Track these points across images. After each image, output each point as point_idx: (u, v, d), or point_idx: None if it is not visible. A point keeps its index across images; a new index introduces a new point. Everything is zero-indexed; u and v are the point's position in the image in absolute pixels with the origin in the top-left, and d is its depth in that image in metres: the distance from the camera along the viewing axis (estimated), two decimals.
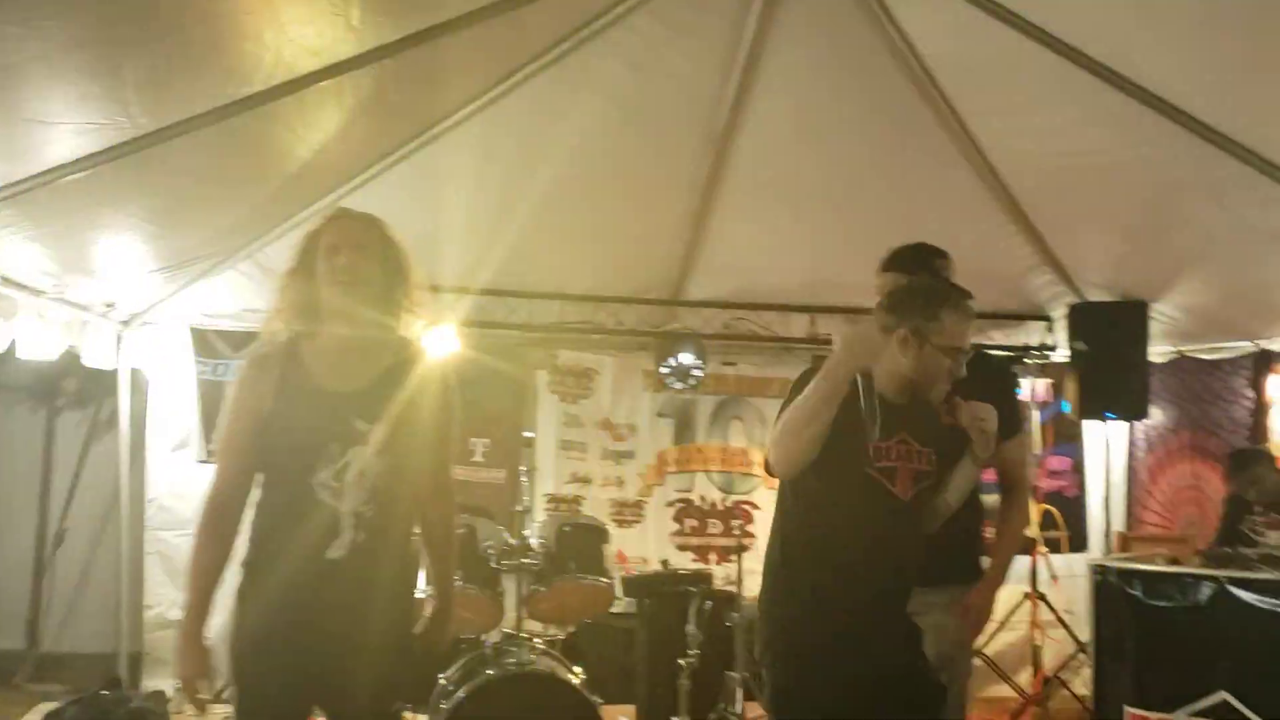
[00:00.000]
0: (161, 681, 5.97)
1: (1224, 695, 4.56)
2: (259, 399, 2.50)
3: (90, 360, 5.74)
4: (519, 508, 4.46)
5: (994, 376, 3.25)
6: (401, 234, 2.68)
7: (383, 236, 2.62)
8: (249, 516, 2.56)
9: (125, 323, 5.97)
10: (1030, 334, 7.15)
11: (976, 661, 7.11)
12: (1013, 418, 3.17)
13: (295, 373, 2.51)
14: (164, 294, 5.86)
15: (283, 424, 2.47)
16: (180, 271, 5.59)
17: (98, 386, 5.95)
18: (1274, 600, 4.45)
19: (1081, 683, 6.54)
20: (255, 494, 2.55)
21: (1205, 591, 4.67)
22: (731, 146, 5.35)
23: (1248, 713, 4.48)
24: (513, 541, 4.41)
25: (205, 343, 6.31)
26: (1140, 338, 6.51)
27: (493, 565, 4.31)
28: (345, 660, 2.45)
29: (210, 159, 4.25)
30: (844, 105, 5.04)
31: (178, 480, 6.32)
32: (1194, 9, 3.85)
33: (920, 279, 3.15)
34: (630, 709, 4.69)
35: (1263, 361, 6.41)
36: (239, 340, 6.31)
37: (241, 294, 6.04)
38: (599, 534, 4.63)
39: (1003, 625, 7.09)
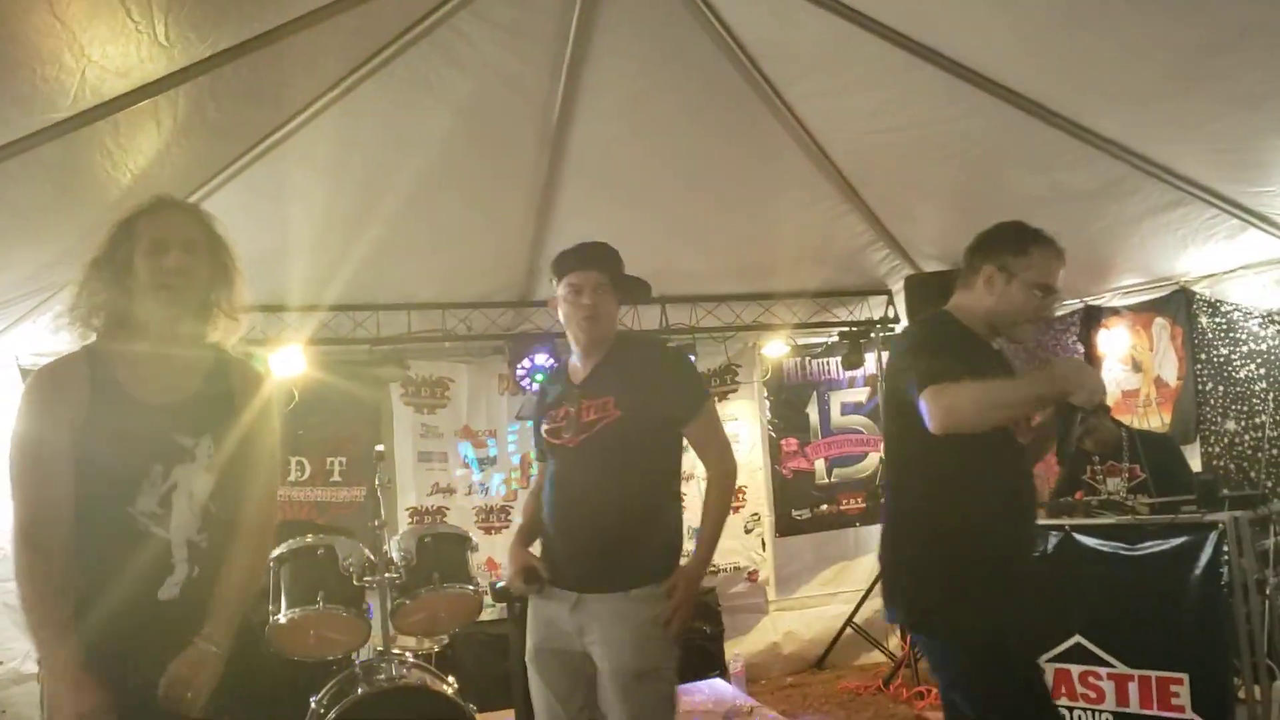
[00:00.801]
0: None
1: (1078, 638, 4.78)
2: (60, 421, 2.14)
3: None
4: (375, 523, 4.37)
5: (652, 357, 3.27)
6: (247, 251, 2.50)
7: (211, 232, 2.37)
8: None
9: None
10: (874, 308, 7.36)
11: (848, 632, 7.34)
12: (686, 398, 3.18)
13: (105, 385, 2.19)
14: None
15: (94, 445, 2.13)
16: (3, 310, 5.32)
17: None
18: (1116, 543, 4.67)
19: None
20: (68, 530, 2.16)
21: (1052, 540, 4.88)
22: (567, 143, 5.33)
23: (1100, 652, 4.71)
24: (373, 557, 4.33)
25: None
26: None
27: (355, 583, 4.22)
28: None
29: (22, 191, 4.03)
30: (673, 97, 5.06)
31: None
32: None
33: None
34: (509, 714, 4.65)
35: (1090, 317, 6.54)
36: None
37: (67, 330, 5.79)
38: (462, 542, 4.58)
39: (868, 594, 7.32)
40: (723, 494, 3.20)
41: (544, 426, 3.29)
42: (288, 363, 6.13)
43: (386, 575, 4.27)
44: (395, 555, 4.37)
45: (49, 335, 5.73)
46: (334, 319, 6.21)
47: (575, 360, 3.32)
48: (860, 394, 7.81)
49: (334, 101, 4.64)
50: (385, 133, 4.99)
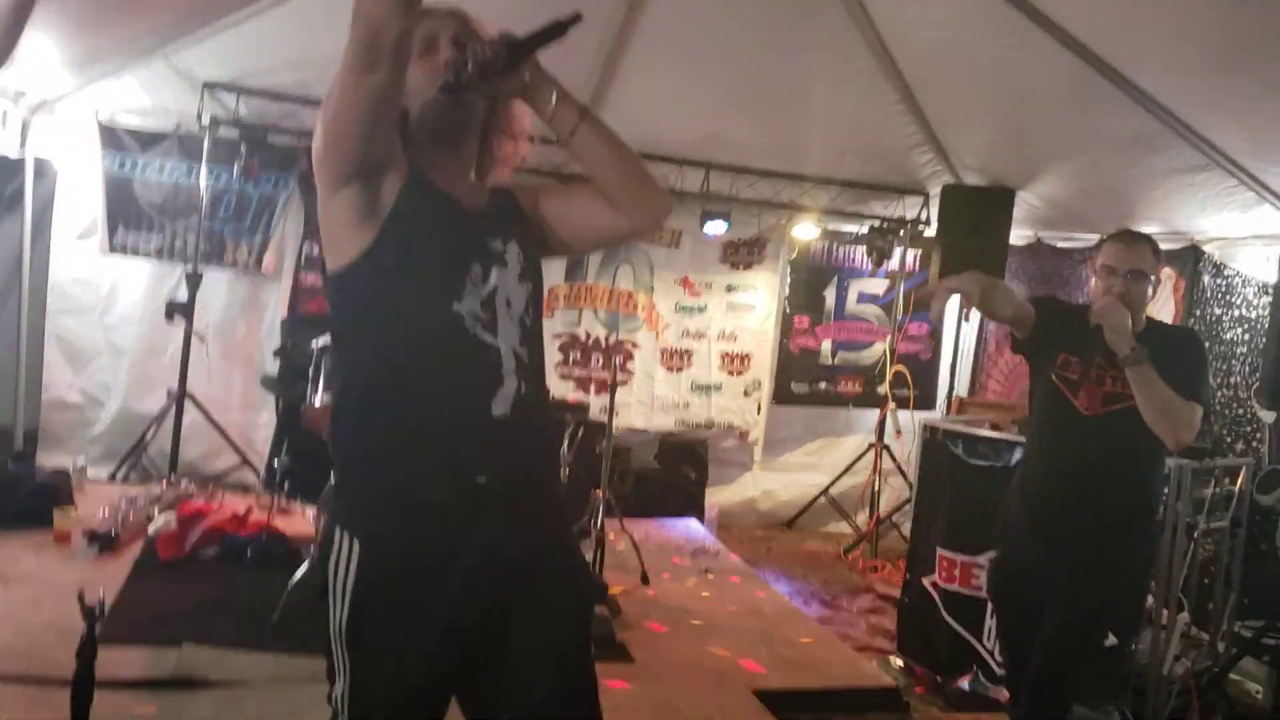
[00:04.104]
0: (56, 459, 6.27)
1: None
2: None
3: None
4: None
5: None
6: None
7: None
8: (362, 363, 1.94)
9: (33, 111, 6.02)
10: (908, 208, 7.60)
11: (821, 500, 7.83)
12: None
13: (419, 176, 1.93)
14: (73, 86, 5.92)
15: (410, 235, 1.88)
16: (91, 67, 5.65)
17: (2, 173, 6.01)
18: None
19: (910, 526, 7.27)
20: (369, 334, 1.93)
21: (1015, 455, 5.25)
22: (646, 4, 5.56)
23: None
24: None
25: (113, 137, 6.37)
26: (1004, 222, 6.97)
27: None
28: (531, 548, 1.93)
29: None
30: None
31: (80, 268, 6.51)
32: None
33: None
34: None
35: None
36: (146, 139, 6.44)
37: (151, 92, 6.14)
38: None
39: (847, 470, 7.80)
40: None
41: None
42: None
43: None
44: None
45: (130, 93, 6.10)
46: None
47: None
48: (879, 285, 8.10)
49: None
50: None
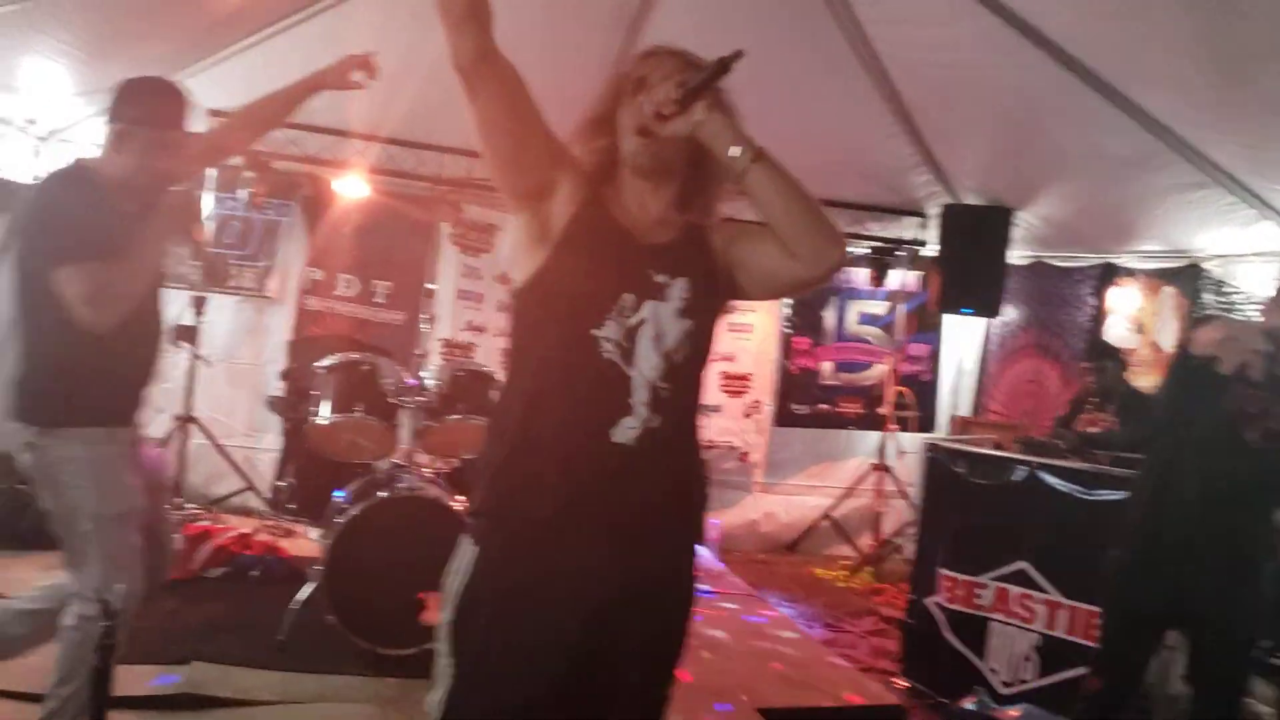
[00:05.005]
0: None
1: (1023, 565, 5.18)
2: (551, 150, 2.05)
3: (5, 171, 5.85)
4: (418, 352, 4.79)
5: None
6: None
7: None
8: (511, 379, 2.09)
9: (43, 139, 6.07)
10: (906, 228, 7.64)
11: (823, 523, 7.82)
12: None
13: (592, 201, 2.06)
14: (83, 114, 5.96)
15: (566, 259, 2.00)
16: (101, 95, 5.68)
17: (10, 197, 6.04)
18: (1075, 486, 5.02)
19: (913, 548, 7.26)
20: (521, 352, 2.08)
21: (1018, 474, 5.24)
22: (643, 27, 5.60)
23: (1041, 580, 5.12)
24: (411, 381, 4.79)
25: None
26: (1003, 241, 7.03)
27: (390, 400, 4.67)
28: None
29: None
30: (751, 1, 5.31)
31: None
32: None
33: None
34: None
35: (1107, 274, 6.99)
36: None
37: None
38: (488, 380, 4.99)
39: (850, 492, 7.79)
40: None
41: None
42: (351, 186, 6.54)
43: (419, 399, 4.72)
44: (430, 382, 4.82)
45: None
46: (400, 153, 6.57)
47: None
48: (880, 307, 8.12)
49: None
50: None
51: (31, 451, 2.98)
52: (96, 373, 2.96)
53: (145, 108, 3.02)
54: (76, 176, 3.06)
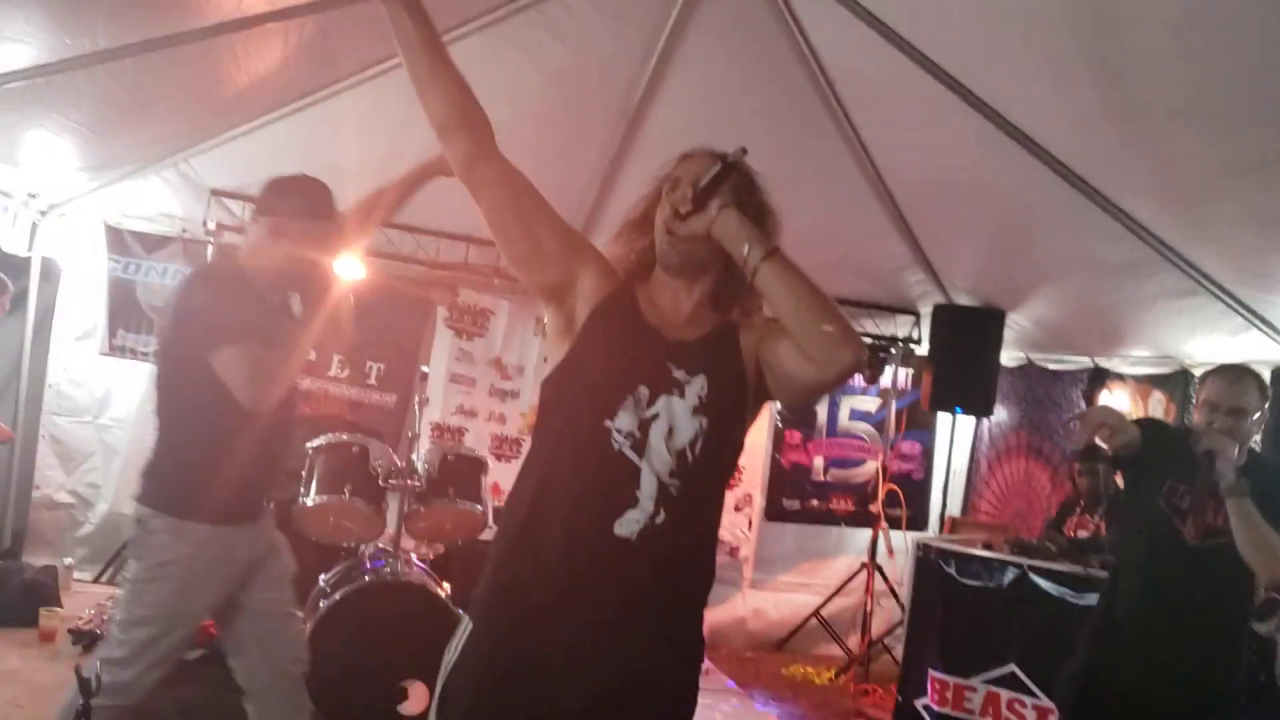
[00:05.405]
0: (43, 558, 6.20)
1: (1013, 667, 5.14)
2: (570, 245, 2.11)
3: (4, 245, 5.91)
4: (410, 434, 4.78)
5: None
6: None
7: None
8: (526, 464, 2.09)
9: (43, 213, 6.13)
10: (900, 326, 7.70)
11: (812, 622, 7.73)
12: None
13: (621, 295, 2.09)
14: (85, 189, 6.04)
15: (586, 350, 2.04)
16: (104, 171, 5.78)
17: (9, 271, 6.09)
18: (1065, 589, 5.02)
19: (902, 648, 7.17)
20: (537, 439, 2.11)
21: (1009, 575, 5.23)
22: (642, 125, 5.70)
23: (1031, 684, 5.08)
24: (400, 463, 4.77)
25: (119, 240, 6.49)
26: (995, 342, 7.06)
27: (379, 483, 4.66)
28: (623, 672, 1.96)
29: (155, 78, 4.47)
30: (748, 99, 5.39)
31: (78, 369, 6.55)
32: (1063, 59, 4.24)
33: None
34: None
35: (1097, 377, 7.03)
36: (152, 242, 6.55)
37: (160, 199, 6.28)
38: (479, 465, 4.99)
39: (839, 591, 7.72)
40: None
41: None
42: (349, 268, 6.57)
43: (409, 482, 4.70)
44: (419, 465, 4.81)
45: (140, 199, 6.23)
46: (398, 236, 6.64)
47: None
48: (871, 403, 8.14)
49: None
50: (477, 84, 5.36)
51: (139, 527, 3.05)
52: (223, 469, 3.01)
53: (301, 200, 3.11)
54: (226, 268, 3.21)
